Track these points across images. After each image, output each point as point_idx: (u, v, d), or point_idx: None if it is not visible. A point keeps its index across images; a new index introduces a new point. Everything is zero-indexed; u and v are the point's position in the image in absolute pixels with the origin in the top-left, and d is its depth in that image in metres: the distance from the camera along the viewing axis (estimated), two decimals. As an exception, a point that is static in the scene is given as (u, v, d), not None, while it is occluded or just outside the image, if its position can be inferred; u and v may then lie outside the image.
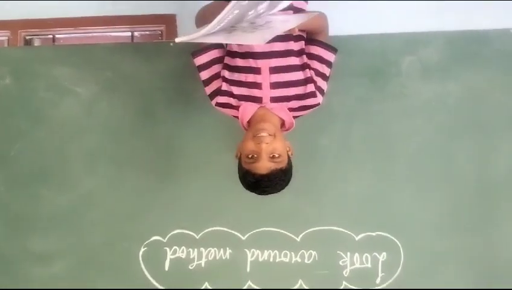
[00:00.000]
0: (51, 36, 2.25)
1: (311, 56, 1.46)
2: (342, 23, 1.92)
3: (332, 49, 1.49)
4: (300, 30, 1.42)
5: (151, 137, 1.92)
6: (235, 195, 1.85)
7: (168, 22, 2.11)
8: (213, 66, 1.48)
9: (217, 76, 1.48)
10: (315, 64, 1.46)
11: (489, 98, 1.89)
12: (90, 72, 1.97)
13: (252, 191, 1.42)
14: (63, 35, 2.24)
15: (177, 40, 1.18)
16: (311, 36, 1.48)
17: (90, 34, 2.22)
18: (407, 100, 1.89)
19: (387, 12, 2.01)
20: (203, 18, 1.43)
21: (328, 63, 1.48)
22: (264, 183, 1.37)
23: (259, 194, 1.43)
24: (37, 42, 2.25)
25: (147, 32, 2.20)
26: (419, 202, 1.86)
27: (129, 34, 2.20)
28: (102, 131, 1.94)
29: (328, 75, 1.49)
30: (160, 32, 2.15)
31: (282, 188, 1.43)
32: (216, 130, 1.89)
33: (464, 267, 1.83)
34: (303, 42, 1.47)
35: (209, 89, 1.50)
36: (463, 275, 1.83)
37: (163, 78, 1.93)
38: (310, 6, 1.54)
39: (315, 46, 1.47)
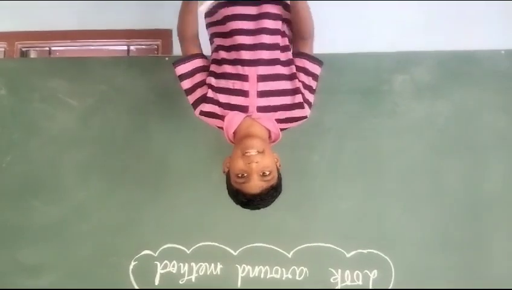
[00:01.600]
0: (47, 48, 2.26)
1: (298, 68, 1.44)
2: (336, 41, 1.97)
3: (318, 61, 1.47)
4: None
5: (144, 151, 1.93)
6: (226, 210, 1.83)
7: (164, 36, 2.13)
8: (196, 75, 1.45)
9: (201, 84, 1.45)
10: (302, 76, 1.44)
11: (479, 117, 1.91)
12: (85, 85, 1.99)
13: (243, 207, 1.40)
14: (59, 47, 2.25)
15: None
16: (297, 48, 1.47)
17: (86, 47, 2.23)
18: (398, 118, 1.92)
19: (380, 31, 2.04)
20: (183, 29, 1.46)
21: (314, 76, 1.46)
22: (256, 202, 1.35)
23: (251, 210, 1.40)
24: (33, 54, 2.27)
25: (143, 47, 2.21)
26: (409, 220, 1.87)
27: (125, 47, 2.22)
28: (95, 144, 1.95)
29: (314, 88, 1.47)
30: (156, 46, 2.17)
31: (273, 201, 1.41)
32: (208, 145, 1.90)
33: (455, 285, 1.83)
34: (290, 53, 1.46)
35: (192, 98, 1.46)
36: (454, 293, 1.84)
37: (157, 92, 1.95)
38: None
39: (301, 59, 1.45)
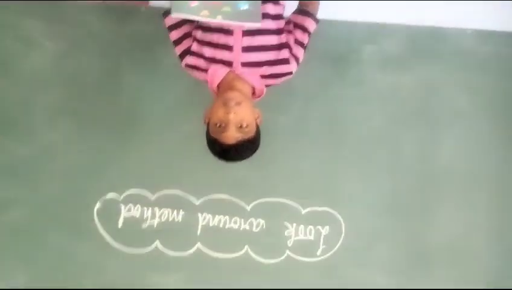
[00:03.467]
0: (25, -12, 2.23)
1: (296, 25, 1.44)
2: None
3: (315, 19, 1.47)
4: None
5: (115, 97, 1.98)
6: (192, 161, 1.95)
7: (142, -14, 2.13)
8: (183, 26, 1.46)
9: (187, 35, 1.44)
10: (297, 32, 1.44)
11: (440, 92, 2.01)
12: (61, 27, 2.00)
13: (219, 158, 1.41)
14: (36, -12, 2.22)
15: (173, 15, 1.26)
16: (304, 7, 1.47)
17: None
18: (363, 87, 2.01)
19: (353, 1, 2.09)
20: None
21: (309, 33, 1.46)
22: (231, 153, 1.37)
23: (227, 161, 1.41)
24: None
25: (121, -5, 2.21)
26: (364, 184, 1.99)
27: (103, -6, 2.21)
28: (67, 86, 1.98)
29: (306, 44, 1.46)
30: (134, -4, 2.17)
31: (250, 156, 1.43)
32: (179, 97, 1.96)
33: (398, 247, 1.98)
34: (281, 8, 1.43)
35: (179, 49, 1.46)
36: (396, 254, 1.98)
37: (132, 41, 1.98)
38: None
39: (303, 16, 1.45)
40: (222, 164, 1.48)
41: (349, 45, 2.01)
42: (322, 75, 2.00)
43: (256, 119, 1.41)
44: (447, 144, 2.01)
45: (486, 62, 2.03)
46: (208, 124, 1.41)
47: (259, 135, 1.43)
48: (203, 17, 1.29)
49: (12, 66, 1.98)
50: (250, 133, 1.37)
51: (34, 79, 1.98)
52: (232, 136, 1.34)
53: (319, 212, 1.98)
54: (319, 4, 1.49)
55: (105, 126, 1.97)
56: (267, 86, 1.46)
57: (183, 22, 1.46)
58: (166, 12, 1.47)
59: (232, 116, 1.32)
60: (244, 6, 1.30)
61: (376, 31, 2.02)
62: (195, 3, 1.29)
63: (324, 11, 1.97)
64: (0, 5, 2.03)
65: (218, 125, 1.35)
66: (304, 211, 1.98)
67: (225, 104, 1.33)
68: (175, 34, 1.47)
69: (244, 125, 1.34)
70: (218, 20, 1.29)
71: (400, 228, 1.98)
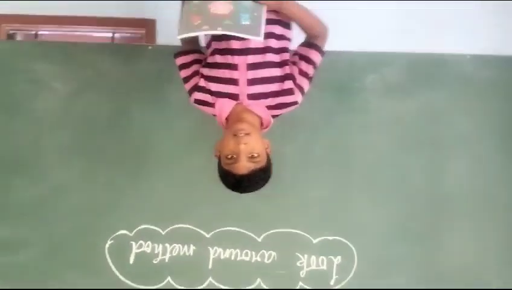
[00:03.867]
0: (34, 32, 2.31)
1: (301, 57, 1.50)
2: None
3: (321, 51, 1.52)
4: (283, 27, 1.48)
5: (125, 135, 2.00)
6: (201, 194, 1.96)
7: (148, 26, 2.20)
8: (193, 66, 1.54)
9: (196, 73, 1.53)
10: (302, 64, 1.49)
11: (443, 117, 2.03)
12: (70, 69, 2.04)
13: (233, 190, 1.44)
14: (45, 32, 2.30)
15: (179, 37, 1.33)
16: (311, 39, 1.52)
17: (72, 33, 2.29)
18: (368, 115, 2.03)
19: (354, 32, 2.15)
20: None
21: (314, 64, 1.51)
22: (244, 183, 1.39)
23: (241, 193, 1.45)
24: (19, 37, 2.31)
25: (128, 35, 2.28)
26: (374, 211, 1.98)
27: (110, 35, 2.29)
28: (77, 126, 2.01)
29: (311, 75, 1.51)
30: (140, 35, 2.24)
31: (263, 186, 1.46)
32: (187, 132, 1.99)
33: (412, 273, 1.96)
34: (286, 42, 1.50)
35: (188, 86, 1.54)
36: (411, 279, 1.95)
37: (140, 79, 2.02)
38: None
39: (307, 48, 1.50)
40: (230, 196, 1.51)
41: (351, 75, 2.04)
42: (325, 104, 2.02)
43: (266, 149, 1.45)
44: (452, 167, 2.01)
45: (486, 86, 2.05)
46: (219, 157, 1.45)
47: (271, 164, 1.47)
48: (204, 30, 1.34)
49: (23, 107, 2.02)
50: (261, 162, 1.41)
51: (45, 120, 2.01)
52: (244, 166, 1.37)
53: (330, 241, 1.97)
54: (326, 38, 1.54)
55: (115, 164, 1.99)
56: (273, 116, 1.51)
57: (193, 62, 1.55)
58: (177, 54, 1.57)
59: (242, 146, 1.36)
60: (246, 21, 1.34)
61: (377, 60, 2.05)
62: (198, 20, 1.34)
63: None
64: (10, 49, 2.09)
65: (229, 157, 1.39)
66: (315, 241, 1.97)
67: (235, 135, 1.38)
68: (184, 73, 1.56)
69: (255, 155, 1.38)
70: (218, 32, 1.33)
71: (413, 253, 1.96)
